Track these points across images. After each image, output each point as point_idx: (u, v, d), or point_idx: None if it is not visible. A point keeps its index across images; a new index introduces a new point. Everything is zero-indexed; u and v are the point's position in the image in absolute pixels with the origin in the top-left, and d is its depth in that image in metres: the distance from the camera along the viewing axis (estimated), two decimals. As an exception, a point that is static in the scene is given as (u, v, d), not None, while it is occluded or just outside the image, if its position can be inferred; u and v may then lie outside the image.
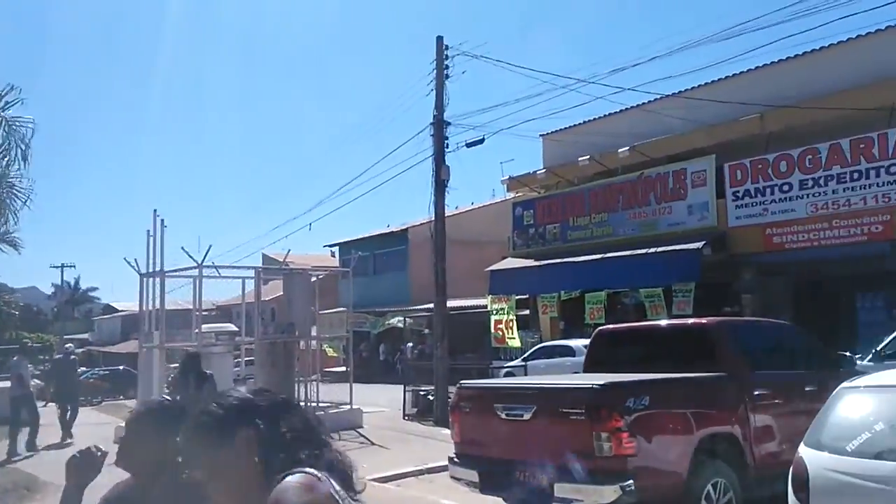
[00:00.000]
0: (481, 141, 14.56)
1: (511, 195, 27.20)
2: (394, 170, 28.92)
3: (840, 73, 17.17)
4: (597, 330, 7.65)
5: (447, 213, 34.36)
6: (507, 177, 25.60)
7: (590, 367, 7.33)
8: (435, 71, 14.68)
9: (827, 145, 17.10)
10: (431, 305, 27.50)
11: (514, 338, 22.79)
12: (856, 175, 16.63)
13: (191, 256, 12.57)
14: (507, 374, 18.29)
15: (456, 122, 14.98)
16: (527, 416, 5.54)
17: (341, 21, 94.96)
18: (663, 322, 8.36)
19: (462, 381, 6.41)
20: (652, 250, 19.54)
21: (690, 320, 7.55)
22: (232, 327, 14.74)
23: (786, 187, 17.93)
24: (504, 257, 25.72)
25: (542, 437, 5.48)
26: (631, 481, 5.05)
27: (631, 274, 20.00)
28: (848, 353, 7.89)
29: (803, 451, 4.61)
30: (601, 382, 5.29)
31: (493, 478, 5.80)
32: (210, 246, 12.64)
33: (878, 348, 10.54)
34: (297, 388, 14.45)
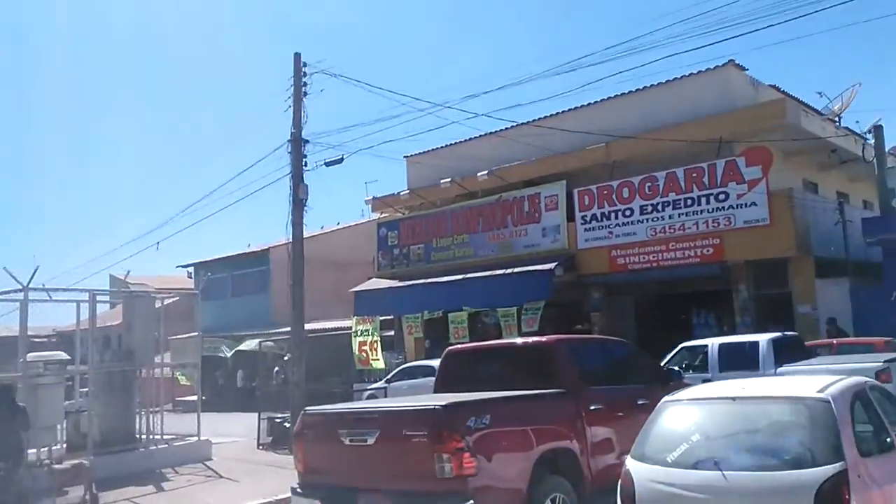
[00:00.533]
0: (340, 160, 14.40)
1: (376, 216, 27.16)
2: (253, 186, 27.97)
3: (676, 107, 18.69)
4: (446, 350, 7.72)
5: (313, 233, 33.76)
6: (371, 197, 25.54)
7: (440, 387, 7.36)
8: (293, 87, 14.38)
9: (664, 174, 18.53)
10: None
11: (377, 359, 22.58)
12: (689, 202, 18.13)
13: (14, 278, 11.38)
14: (370, 397, 18.07)
15: (315, 140, 14.74)
16: (370, 441, 5.44)
17: (200, 31, 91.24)
18: (506, 341, 8.58)
19: (307, 408, 6.21)
20: (509, 271, 20.21)
21: (532, 339, 7.79)
22: (63, 355, 13.43)
23: (628, 212, 19.20)
24: (370, 278, 25.58)
25: (385, 461, 5.39)
26: (471, 502, 5.07)
27: (490, 294, 20.53)
28: (677, 368, 8.44)
29: (630, 463, 4.84)
30: (442, 403, 5.30)
31: (336, 507, 5.63)
32: (38, 267, 11.46)
33: (663, 363, 11.08)
34: (138, 419, 13.42)
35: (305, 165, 14.56)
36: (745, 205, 17.06)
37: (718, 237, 17.55)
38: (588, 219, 20.06)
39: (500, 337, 18.28)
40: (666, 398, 5.19)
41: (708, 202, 17.78)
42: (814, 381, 5.06)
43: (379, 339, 22.77)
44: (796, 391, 4.80)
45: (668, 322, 19.23)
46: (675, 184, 18.41)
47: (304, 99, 14.93)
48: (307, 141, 14.69)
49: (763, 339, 11.66)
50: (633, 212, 19.20)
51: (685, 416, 4.94)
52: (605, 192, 19.76)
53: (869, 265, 17.52)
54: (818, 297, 16.65)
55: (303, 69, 14.52)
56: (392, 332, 24.64)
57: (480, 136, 21.57)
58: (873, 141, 17.38)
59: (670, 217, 18.45)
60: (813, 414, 4.42)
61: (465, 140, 22.84)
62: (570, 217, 20.40)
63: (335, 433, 5.67)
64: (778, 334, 12.12)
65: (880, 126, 17.35)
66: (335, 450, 5.69)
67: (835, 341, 13.35)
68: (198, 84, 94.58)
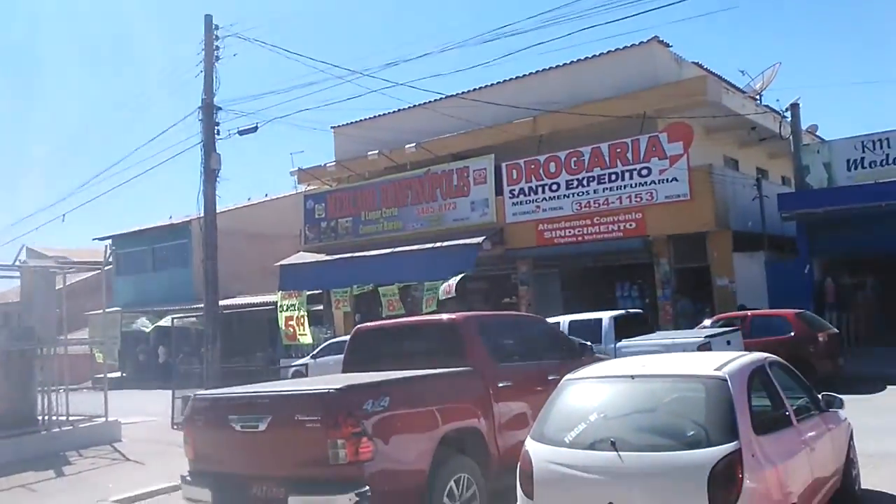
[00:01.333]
0: (254, 129, 13.76)
1: (303, 188, 26.44)
2: (167, 156, 26.74)
3: (602, 82, 18.74)
4: (355, 328, 7.43)
5: (238, 205, 32.59)
6: (296, 168, 24.80)
7: (347, 367, 7.08)
8: (204, 52, 13.60)
9: (589, 149, 18.60)
10: (223, 302, 26.01)
11: (305, 334, 22.13)
12: (613, 177, 18.27)
13: None
14: (295, 374, 17.67)
15: (228, 107, 14.04)
16: (262, 427, 5.13)
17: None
18: (414, 318, 8.38)
19: (197, 392, 5.83)
20: (437, 244, 20.02)
21: (440, 316, 7.59)
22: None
23: (555, 186, 19.24)
24: (299, 252, 24.96)
25: (278, 448, 5.10)
26: (367, 487, 4.85)
27: (419, 267, 20.33)
28: (589, 343, 8.41)
29: (529, 444, 4.69)
30: (336, 387, 5.03)
31: (227, 496, 5.30)
32: (-84, 240, 10.49)
33: None
34: (40, 400, 12.65)
35: (218, 134, 13.86)
36: (667, 180, 17.31)
37: (641, 212, 17.78)
38: (516, 193, 20.00)
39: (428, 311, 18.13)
40: (567, 376, 5.07)
41: (631, 177, 17.97)
42: (713, 358, 5.03)
43: (306, 313, 22.31)
44: (694, 369, 4.74)
45: (594, 295, 19.48)
46: (599, 159, 18.51)
47: (216, 64, 14.19)
48: (220, 108, 13.98)
49: (606, 316, 12.56)
50: (559, 186, 19.24)
51: (585, 394, 4.83)
52: (533, 166, 19.72)
53: (784, 239, 18.11)
54: (735, 270, 17.13)
55: (214, 32, 13.75)
56: (321, 307, 24.18)
57: (408, 108, 21.14)
58: (790, 119, 17.83)
59: (595, 192, 18.58)
60: (709, 392, 4.36)
61: (393, 112, 22.34)
62: (499, 191, 20.31)
63: (225, 419, 5.33)
64: (621, 312, 13.29)
65: (797, 104, 17.83)
66: (226, 436, 5.35)
67: (749, 313, 13.71)
68: (109, 47, 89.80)
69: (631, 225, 17.99)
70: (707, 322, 13.91)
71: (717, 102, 17.68)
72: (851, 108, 57.08)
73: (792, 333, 12.42)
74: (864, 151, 15.41)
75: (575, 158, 18.99)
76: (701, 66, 20.15)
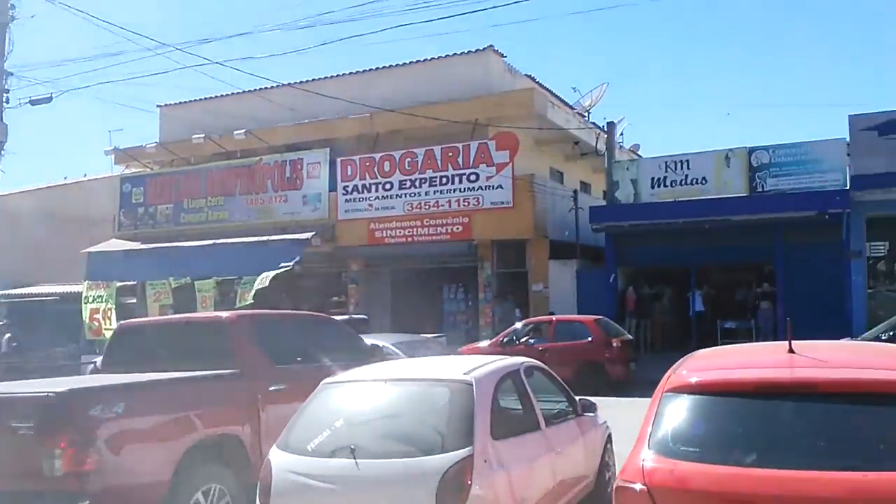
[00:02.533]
0: (49, 99, 12.40)
1: (122, 169, 24.41)
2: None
3: (439, 86, 18.92)
4: (118, 324, 6.80)
5: (47, 184, 29.35)
6: (112, 147, 22.84)
7: (107, 367, 6.44)
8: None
9: (423, 150, 18.73)
10: (20, 291, 23.31)
11: (111, 328, 20.34)
12: (444, 180, 18.53)
13: None
14: (94, 371, 16.16)
15: (22, 74, 12.53)
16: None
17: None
18: (185, 316, 7.85)
19: None
20: (262, 238, 19.25)
21: (209, 314, 7.15)
22: None
23: (388, 186, 19.18)
24: (112, 238, 22.98)
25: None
26: (88, 502, 4.35)
27: (242, 262, 19.39)
28: (381, 344, 8.33)
29: (272, 453, 4.44)
30: (58, 390, 4.49)
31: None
32: None
33: None
34: None
35: (7, 102, 12.34)
36: (493, 187, 17.82)
37: (468, 216, 18.17)
38: (350, 189, 19.71)
39: (247, 307, 17.31)
40: (326, 380, 4.88)
41: (461, 181, 18.31)
42: (468, 362, 5.05)
43: (114, 306, 20.59)
44: (443, 373, 4.72)
45: (423, 296, 19.66)
46: (432, 161, 18.69)
47: (10, 24, 12.64)
48: (11, 74, 12.46)
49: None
50: (392, 185, 19.20)
51: (338, 399, 4.66)
52: (368, 163, 19.54)
53: (597, 249, 19.27)
54: (550, 277, 17.97)
55: (5, -12, 12.22)
56: (134, 300, 22.40)
57: (240, 92, 20.16)
58: (606, 136, 19.00)
59: (426, 194, 18.74)
60: (453, 397, 4.34)
61: (224, 95, 21.22)
62: (333, 186, 19.92)
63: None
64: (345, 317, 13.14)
65: (612, 123, 19.08)
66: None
67: (554, 317, 14.40)
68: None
69: (458, 228, 18.33)
70: (518, 325, 14.46)
71: (543, 116, 18.47)
72: (672, 129, 62.67)
73: (590, 338, 13.18)
74: (666, 171, 16.75)
75: (409, 159, 19.05)
76: (533, 79, 20.98)
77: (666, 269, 17.94)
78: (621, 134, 27.18)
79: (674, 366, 3.98)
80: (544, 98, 19.17)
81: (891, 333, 11.02)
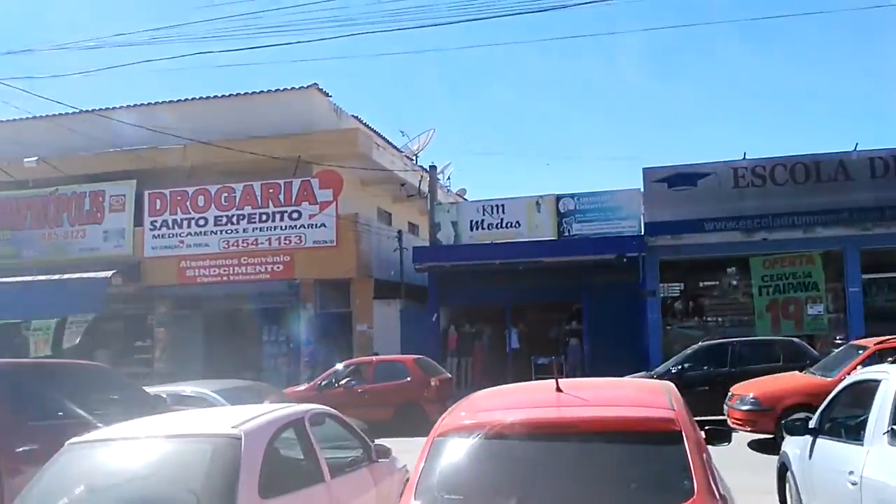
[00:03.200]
0: None
1: None
2: None
3: (260, 120, 18.33)
4: None
5: None
6: None
7: None
8: None
9: (242, 186, 17.96)
10: None
11: None
12: (264, 217, 17.85)
13: None
14: None
15: None
16: None
17: None
18: None
19: None
20: (55, 277, 17.30)
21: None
22: None
23: (202, 221, 18.12)
24: None
25: None
26: None
27: (31, 303, 17.29)
28: (164, 395, 7.62)
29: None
30: None
31: None
32: None
33: None
34: None
35: None
36: (316, 225, 17.45)
37: (290, 255, 17.60)
38: (158, 225, 18.36)
39: (23, 355, 15.36)
40: (73, 439, 4.25)
41: (282, 219, 17.74)
42: (243, 413, 4.65)
43: None
44: (208, 427, 4.30)
45: (240, 338, 18.62)
46: (251, 197, 17.97)
47: None
48: None
49: None
50: (207, 221, 18.17)
51: (83, 461, 4.07)
52: (180, 197, 18.37)
53: (422, 289, 19.44)
54: (375, 317, 17.80)
55: None
56: None
57: (34, 117, 18.17)
58: (429, 180, 19.40)
59: (244, 231, 17.94)
60: (215, 453, 3.92)
61: (15, 119, 19.05)
62: (139, 221, 18.43)
63: None
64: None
65: (434, 167, 19.60)
66: None
67: (374, 358, 14.19)
68: None
69: (279, 267, 17.68)
70: (339, 366, 14.05)
71: (368, 156, 18.48)
72: (499, 175, 66.03)
73: (408, 378, 13.09)
74: (484, 214, 17.38)
75: (226, 194, 18.16)
76: (360, 120, 21.01)
77: (485, 307, 18.46)
78: (448, 178, 28.06)
79: (449, 408, 3.89)
80: (369, 139, 19.23)
81: (681, 367, 12.08)
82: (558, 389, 3.76)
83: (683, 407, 3.64)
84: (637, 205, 16.29)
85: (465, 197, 29.10)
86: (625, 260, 15.97)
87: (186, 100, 19.13)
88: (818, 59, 58.91)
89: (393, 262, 19.10)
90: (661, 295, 16.83)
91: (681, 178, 15.64)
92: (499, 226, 17.24)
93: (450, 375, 14.69)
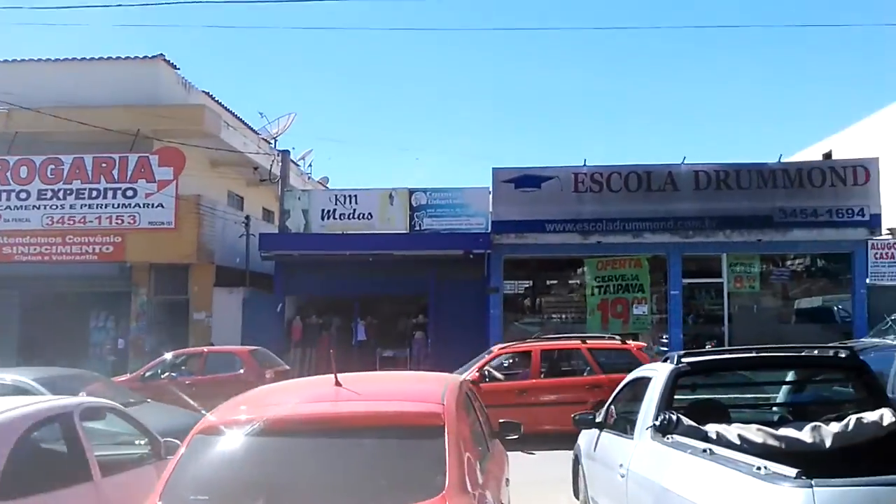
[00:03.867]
0: None
1: None
2: None
3: (97, 89, 16.94)
4: None
5: None
6: None
7: None
8: None
9: (71, 158, 16.51)
10: None
11: None
12: (95, 193, 16.51)
13: None
14: None
15: None
16: None
17: None
18: None
19: None
20: None
21: None
22: None
23: (24, 195, 16.49)
24: None
25: None
26: None
27: None
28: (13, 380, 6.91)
29: None
30: None
31: None
32: None
33: None
34: None
35: None
36: (153, 205, 16.38)
37: (121, 235, 16.42)
38: (-31, 195, 16.46)
39: None
40: None
41: (115, 196, 16.51)
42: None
43: None
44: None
45: (64, 324, 17.10)
46: (81, 171, 16.57)
47: None
48: None
49: None
50: (29, 195, 16.56)
51: None
52: (0, 167, 16.57)
53: (268, 278, 18.81)
54: (214, 305, 17.01)
55: None
56: None
57: None
58: (281, 165, 18.81)
59: (72, 207, 16.52)
60: None
61: None
62: (-53, 191, 16.44)
63: None
64: None
65: (287, 151, 19.12)
66: None
67: (206, 349, 13.53)
68: None
69: (108, 249, 16.43)
70: (168, 356, 13.26)
71: (216, 135, 17.60)
72: (365, 164, 65.68)
73: (242, 371, 12.58)
74: (336, 204, 17.07)
75: (53, 166, 16.61)
76: (211, 97, 19.97)
77: (333, 299, 18.18)
78: (310, 165, 27.46)
79: (220, 405, 3.71)
80: (218, 117, 18.29)
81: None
82: (337, 384, 3.69)
83: (457, 400, 3.67)
84: (486, 203, 16.66)
85: (326, 185, 28.57)
86: (471, 256, 16.30)
87: (15, 60, 17.28)
88: (665, 76, 63.56)
89: (239, 249, 18.36)
90: (511, 291, 17.36)
91: (527, 180, 16.16)
92: (351, 216, 17.01)
93: (287, 368, 14.29)
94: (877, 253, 15.96)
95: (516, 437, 5.02)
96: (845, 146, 21.83)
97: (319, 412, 3.36)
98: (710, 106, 64.79)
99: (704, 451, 3.47)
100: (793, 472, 2.69)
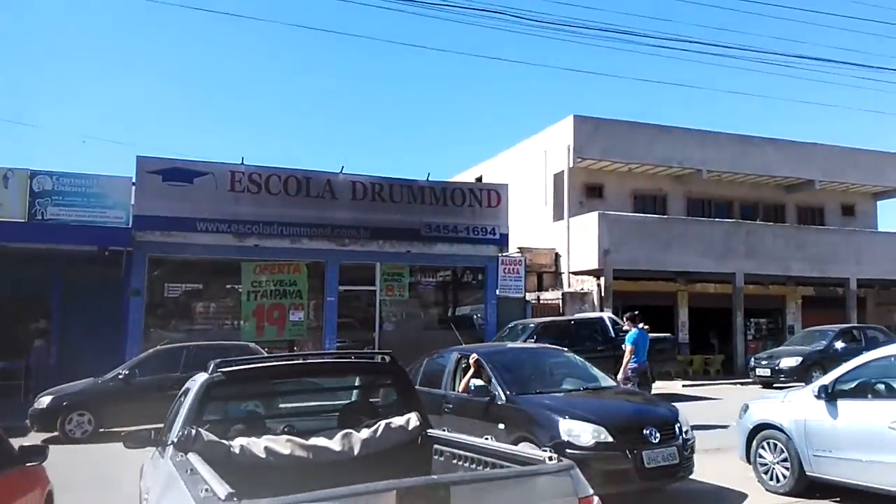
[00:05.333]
0: None
1: None
2: None
3: None
4: None
5: None
6: None
7: None
8: None
9: None
10: None
11: None
12: None
13: None
14: None
15: None
16: None
17: None
18: None
19: None
20: None
21: None
22: None
23: None
24: None
25: None
26: None
27: None
28: None
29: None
30: None
31: None
32: None
33: None
34: None
35: None
36: None
37: None
38: None
39: None
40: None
41: None
42: None
43: None
44: None
45: None
46: None
47: None
48: None
49: None
50: None
51: None
52: None
53: None
54: None
55: None
56: None
57: None
58: None
59: None
60: None
61: None
62: None
63: None
64: None
65: None
66: None
67: None
68: None
69: None
70: None
71: None
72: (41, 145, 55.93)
73: None
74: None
75: None
76: None
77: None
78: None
79: None
80: None
81: (128, 371, 11.16)
82: None
83: None
84: (128, 195, 14.97)
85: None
86: (107, 253, 14.49)
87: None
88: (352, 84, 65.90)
89: None
90: (164, 296, 15.83)
91: (177, 173, 14.93)
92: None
93: None
94: (505, 268, 18.02)
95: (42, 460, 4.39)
96: (493, 172, 24.59)
97: None
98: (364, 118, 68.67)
99: (188, 470, 3.14)
100: (224, 492, 2.49)
